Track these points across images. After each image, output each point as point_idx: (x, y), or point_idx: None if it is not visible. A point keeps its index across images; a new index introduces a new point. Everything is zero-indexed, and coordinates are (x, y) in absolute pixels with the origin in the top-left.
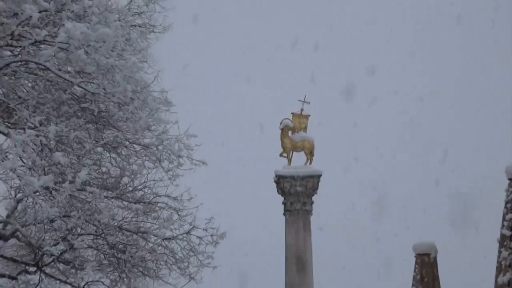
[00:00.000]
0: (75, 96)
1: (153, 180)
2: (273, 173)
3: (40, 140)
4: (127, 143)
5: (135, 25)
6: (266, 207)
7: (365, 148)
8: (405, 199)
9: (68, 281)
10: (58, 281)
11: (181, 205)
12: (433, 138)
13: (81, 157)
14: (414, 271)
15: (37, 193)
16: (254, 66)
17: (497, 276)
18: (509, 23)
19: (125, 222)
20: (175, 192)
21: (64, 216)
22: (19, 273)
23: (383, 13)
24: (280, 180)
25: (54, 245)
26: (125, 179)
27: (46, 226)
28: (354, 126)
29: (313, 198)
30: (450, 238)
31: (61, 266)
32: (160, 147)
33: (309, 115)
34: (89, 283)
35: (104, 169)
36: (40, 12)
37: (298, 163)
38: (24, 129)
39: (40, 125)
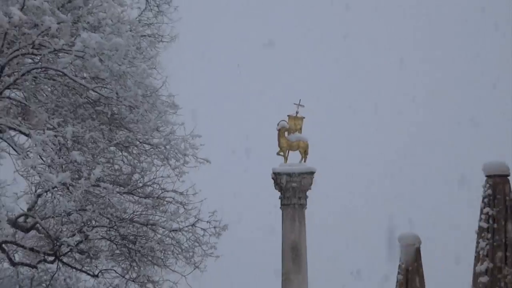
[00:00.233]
0: (90, 100)
1: (161, 176)
2: (270, 170)
3: (58, 140)
4: (138, 143)
5: (145, 35)
6: (264, 202)
7: (365, 148)
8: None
9: (83, 269)
10: (74, 269)
11: (187, 200)
12: (433, 138)
13: (95, 156)
14: (400, 260)
15: (56, 189)
16: (254, 67)
17: (475, 265)
18: (509, 23)
19: (136, 215)
20: (181, 188)
21: (80, 210)
22: (39, 262)
23: (384, 13)
24: (277, 176)
25: (71, 236)
26: (136, 176)
27: (63, 219)
28: (354, 127)
29: (307, 193)
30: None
31: (77, 255)
32: (167, 147)
33: (304, 117)
34: (102, 271)
35: (116, 167)
36: (58, 23)
37: (294, 161)
38: (43, 130)
39: (58, 126)
